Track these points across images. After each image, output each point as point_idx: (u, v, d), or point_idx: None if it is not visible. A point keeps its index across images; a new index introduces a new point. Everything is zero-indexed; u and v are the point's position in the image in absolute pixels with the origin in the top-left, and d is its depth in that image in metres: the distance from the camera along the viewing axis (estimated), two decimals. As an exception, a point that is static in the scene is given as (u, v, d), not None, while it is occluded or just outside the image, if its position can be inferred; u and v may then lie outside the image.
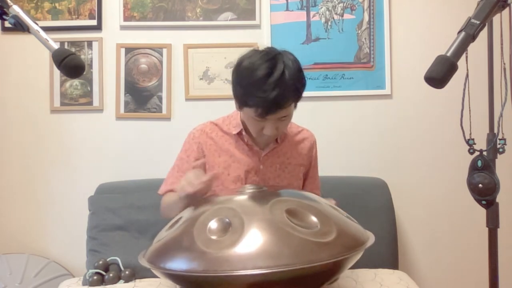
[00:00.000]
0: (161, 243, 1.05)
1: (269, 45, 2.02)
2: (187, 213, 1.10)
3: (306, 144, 1.52)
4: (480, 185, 1.06)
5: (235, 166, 1.41)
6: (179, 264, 0.96)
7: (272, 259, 0.90)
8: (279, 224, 0.96)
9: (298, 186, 1.50)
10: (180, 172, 1.43)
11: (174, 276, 1.00)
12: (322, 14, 2.12)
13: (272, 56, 1.24)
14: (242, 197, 1.10)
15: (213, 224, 0.98)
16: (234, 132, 1.42)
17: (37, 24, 1.01)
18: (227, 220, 0.98)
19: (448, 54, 0.95)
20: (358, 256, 1.02)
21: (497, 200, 1.07)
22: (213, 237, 0.95)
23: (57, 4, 2.11)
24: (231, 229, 0.96)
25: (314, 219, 1.00)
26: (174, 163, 1.49)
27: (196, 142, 1.45)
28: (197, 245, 0.94)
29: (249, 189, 1.14)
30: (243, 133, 1.41)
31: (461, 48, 0.96)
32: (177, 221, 1.09)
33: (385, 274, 1.71)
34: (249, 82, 1.23)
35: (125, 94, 2.12)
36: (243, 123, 1.41)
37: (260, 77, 1.20)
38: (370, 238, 1.06)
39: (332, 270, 1.02)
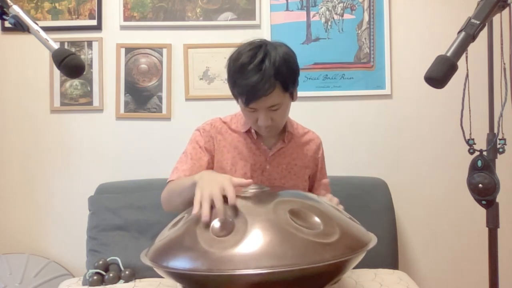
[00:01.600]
0: (163, 241, 1.05)
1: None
2: (189, 213, 1.10)
3: (311, 146, 1.52)
4: (480, 185, 1.06)
5: (242, 163, 1.41)
6: (182, 263, 0.96)
7: (275, 259, 0.90)
8: (282, 224, 0.96)
9: (304, 187, 1.50)
10: (194, 160, 1.40)
11: (177, 275, 1.00)
12: (322, 14, 2.12)
13: (256, 45, 1.26)
14: (245, 197, 1.10)
15: (216, 224, 0.98)
16: (243, 130, 1.42)
17: (37, 24, 1.01)
18: (230, 220, 0.98)
19: (448, 54, 0.95)
20: (360, 257, 1.02)
21: (497, 200, 1.07)
22: (216, 237, 0.95)
23: (57, 4, 2.11)
24: (235, 229, 0.96)
25: (317, 219, 1.00)
26: (184, 153, 1.45)
27: (207, 135, 1.43)
28: (200, 244, 0.94)
29: (252, 189, 1.14)
30: (252, 131, 1.41)
31: (461, 48, 0.96)
32: (179, 220, 1.10)
33: (385, 274, 1.71)
34: (233, 71, 1.26)
35: (125, 94, 2.12)
36: None
37: (242, 65, 1.23)
38: (373, 239, 1.06)
39: (335, 271, 1.02)
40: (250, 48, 1.25)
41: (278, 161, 1.44)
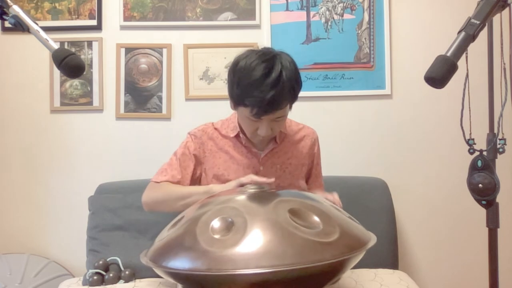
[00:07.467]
0: (163, 242, 1.05)
1: (269, 45, 2.04)
2: (189, 213, 1.10)
3: (306, 142, 1.52)
4: (480, 185, 1.06)
5: (234, 168, 1.42)
6: (182, 263, 0.96)
7: (275, 258, 0.90)
8: (282, 223, 0.96)
9: (300, 186, 1.49)
10: (182, 168, 1.45)
11: (177, 275, 1.00)
12: (322, 14, 2.12)
13: (269, 57, 1.25)
14: (245, 197, 1.11)
15: (216, 223, 0.98)
16: (232, 135, 1.44)
17: (37, 24, 1.01)
18: (230, 219, 0.98)
19: (448, 54, 0.95)
20: (360, 256, 1.02)
21: (497, 200, 1.07)
22: (216, 236, 0.95)
23: (57, 4, 2.11)
24: (234, 228, 0.96)
25: (317, 219, 1.01)
26: (175, 155, 1.49)
27: (198, 142, 1.46)
28: (200, 244, 0.94)
29: (251, 189, 1.14)
30: (240, 135, 1.42)
31: (461, 48, 0.96)
32: (179, 220, 1.10)
33: (385, 274, 1.71)
34: (247, 82, 1.24)
35: (125, 94, 2.12)
36: (239, 125, 1.42)
37: (258, 77, 1.22)
38: (372, 239, 1.06)
39: (335, 270, 1.02)
40: (264, 60, 1.24)
41: (272, 161, 1.44)
